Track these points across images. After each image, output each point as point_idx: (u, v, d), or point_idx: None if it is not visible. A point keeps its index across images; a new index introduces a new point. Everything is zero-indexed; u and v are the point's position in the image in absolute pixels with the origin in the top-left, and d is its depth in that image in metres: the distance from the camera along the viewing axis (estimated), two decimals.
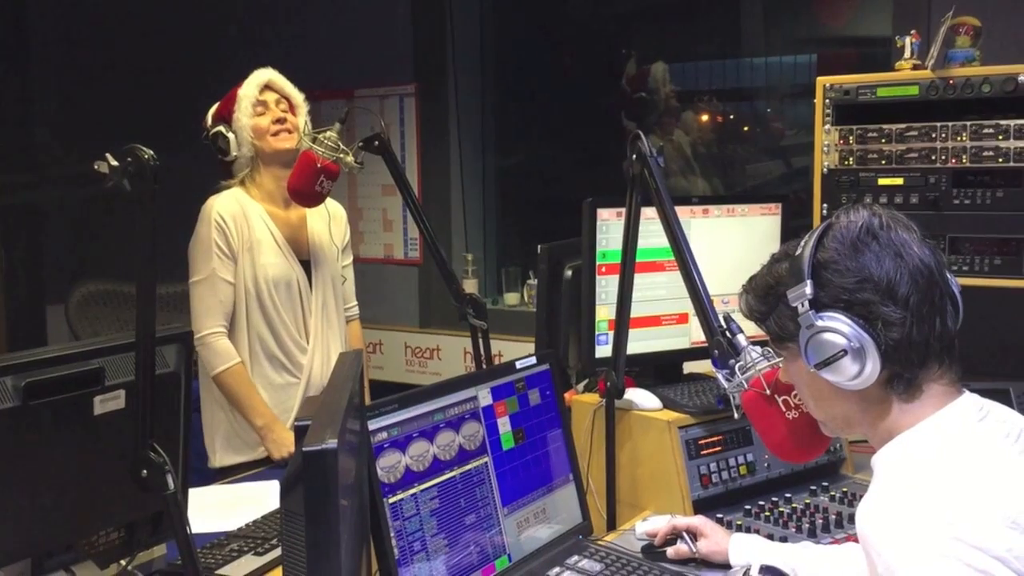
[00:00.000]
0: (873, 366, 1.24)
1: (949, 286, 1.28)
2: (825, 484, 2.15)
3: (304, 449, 1.00)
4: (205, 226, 2.57)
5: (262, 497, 2.18)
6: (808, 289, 1.26)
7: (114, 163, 1.40)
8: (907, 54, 2.39)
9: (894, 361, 1.25)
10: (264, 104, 2.62)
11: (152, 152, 1.41)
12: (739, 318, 1.73)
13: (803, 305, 1.27)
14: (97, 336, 3.57)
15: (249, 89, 2.61)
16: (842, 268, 1.26)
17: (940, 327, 1.26)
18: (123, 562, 1.65)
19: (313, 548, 1.00)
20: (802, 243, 1.31)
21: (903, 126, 2.35)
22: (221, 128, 2.60)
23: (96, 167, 1.42)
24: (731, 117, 4.54)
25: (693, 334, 2.31)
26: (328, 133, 2.49)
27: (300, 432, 1.09)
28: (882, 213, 1.29)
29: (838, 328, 1.24)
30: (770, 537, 1.90)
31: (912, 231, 1.29)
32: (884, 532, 1.16)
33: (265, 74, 2.65)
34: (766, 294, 1.36)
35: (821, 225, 1.32)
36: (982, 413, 1.26)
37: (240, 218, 2.58)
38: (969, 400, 1.28)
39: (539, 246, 2.42)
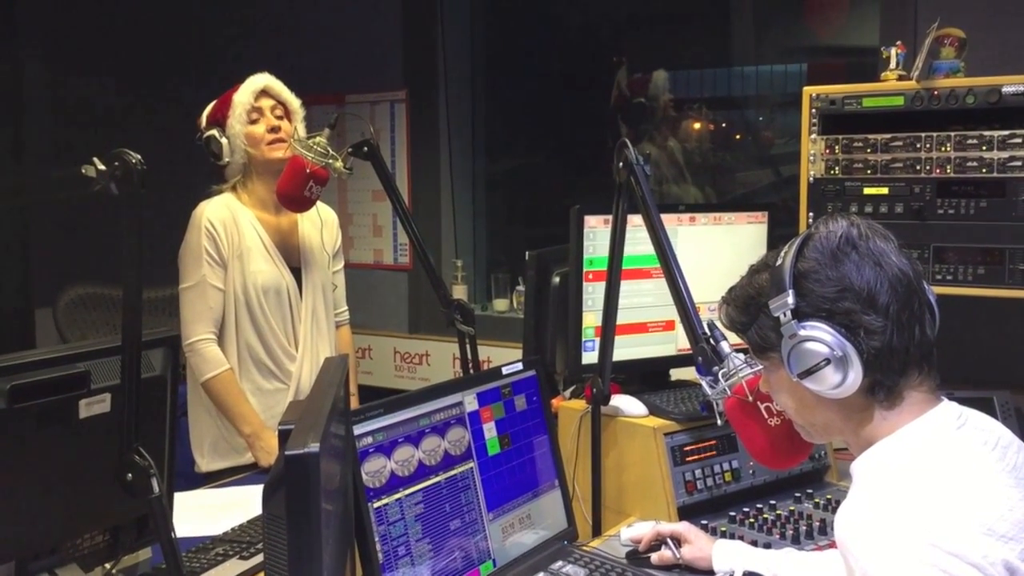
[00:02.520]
0: (855, 375, 1.25)
1: (927, 294, 1.30)
2: (809, 491, 2.17)
3: (286, 453, 1.01)
4: (195, 232, 2.57)
5: (248, 502, 2.17)
6: (790, 299, 1.28)
7: (101, 167, 1.40)
8: (893, 65, 2.41)
9: (875, 369, 1.26)
10: (259, 111, 2.61)
11: (139, 157, 1.41)
12: (722, 327, 1.74)
13: (785, 315, 1.28)
14: (85, 340, 3.56)
15: (244, 96, 2.59)
16: (823, 278, 1.27)
17: (919, 335, 1.27)
18: (108, 565, 1.65)
19: (295, 552, 1.01)
20: (782, 253, 1.33)
21: (888, 136, 2.36)
22: (214, 133, 2.60)
23: (83, 171, 1.42)
24: (722, 125, 4.56)
25: (679, 341, 2.32)
26: (318, 138, 2.50)
27: (283, 436, 1.09)
28: (860, 223, 1.31)
29: (820, 337, 1.26)
30: (754, 543, 1.91)
31: (890, 240, 1.30)
32: (861, 538, 1.18)
33: (261, 80, 2.64)
34: (747, 305, 1.37)
35: (800, 235, 1.34)
36: (960, 421, 1.27)
37: (230, 224, 2.58)
38: (948, 408, 1.30)
39: (527, 252, 2.43)
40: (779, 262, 1.31)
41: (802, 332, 1.27)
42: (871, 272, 1.26)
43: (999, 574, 1.11)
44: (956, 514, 1.14)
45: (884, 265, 1.27)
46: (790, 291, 1.28)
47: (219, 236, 2.55)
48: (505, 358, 1.96)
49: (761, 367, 1.42)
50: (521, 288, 4.37)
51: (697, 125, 4.49)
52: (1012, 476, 1.21)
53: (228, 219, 2.58)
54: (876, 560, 1.14)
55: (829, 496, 2.14)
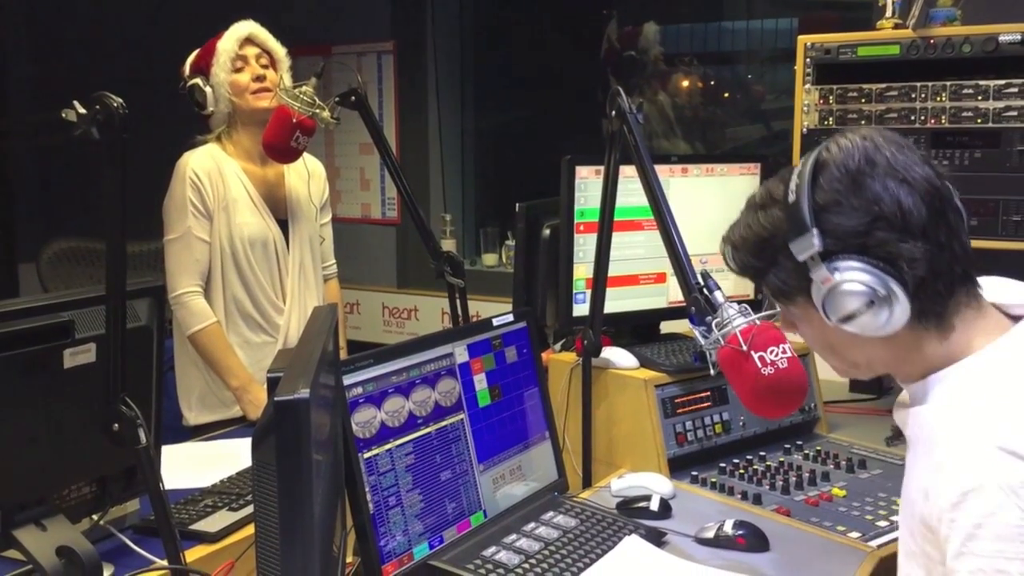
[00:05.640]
0: (902, 310, 1.13)
1: (955, 201, 1.17)
2: (799, 443, 2.17)
3: (276, 399, 0.99)
4: (180, 183, 2.53)
5: (237, 454, 2.16)
6: (816, 240, 1.13)
7: (82, 111, 1.37)
8: (889, 13, 2.38)
9: (922, 298, 1.14)
10: (244, 59, 2.56)
11: (121, 100, 1.38)
12: (718, 276, 1.73)
13: (813, 259, 1.14)
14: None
15: (228, 43, 2.54)
16: (847, 208, 1.13)
17: (960, 249, 1.15)
18: (95, 516, 1.64)
19: (285, 499, 0.99)
20: (792, 186, 1.17)
21: (883, 86, 2.34)
22: (198, 81, 2.55)
23: (64, 115, 1.39)
24: (712, 81, 4.52)
25: (671, 294, 2.31)
26: (304, 88, 2.45)
27: (272, 384, 1.07)
28: (874, 135, 1.16)
29: (858, 278, 1.12)
30: (744, 494, 1.91)
31: (910, 151, 1.17)
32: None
33: (245, 27, 2.58)
34: (761, 248, 1.22)
35: (808, 160, 1.18)
36: None
37: (215, 175, 2.54)
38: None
39: (517, 205, 2.40)
40: (791, 197, 1.16)
41: (837, 276, 1.13)
42: (899, 190, 1.12)
43: None
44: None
45: (911, 180, 1.12)
46: (814, 230, 1.13)
47: (204, 187, 2.52)
48: (494, 313, 1.94)
49: (780, 311, 1.29)
50: (510, 243, 4.35)
51: (687, 80, 4.45)
52: None
53: (213, 170, 2.54)
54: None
55: (819, 448, 2.15)
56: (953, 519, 1.06)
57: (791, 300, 1.24)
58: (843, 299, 1.14)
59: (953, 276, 1.15)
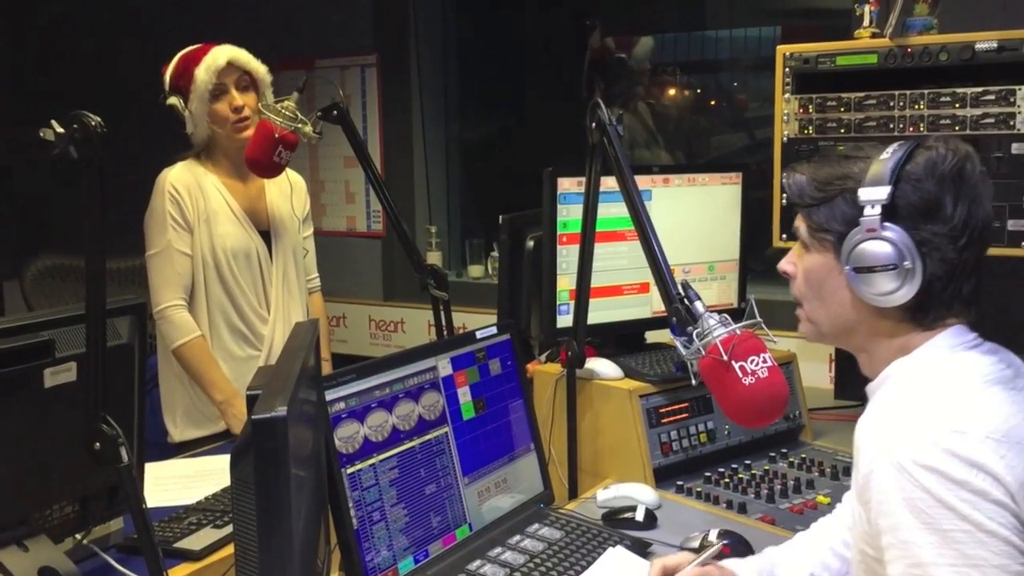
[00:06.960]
0: (909, 291, 1.24)
1: (989, 245, 1.29)
2: (784, 451, 2.18)
3: (254, 417, 0.99)
4: (159, 198, 2.53)
5: (221, 470, 2.15)
6: (886, 194, 1.24)
7: (60, 130, 1.37)
8: (866, 22, 2.39)
9: (928, 295, 1.25)
10: (223, 87, 2.51)
11: (99, 119, 1.38)
12: (699, 286, 1.73)
13: (873, 207, 1.25)
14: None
15: (206, 75, 2.48)
16: (923, 187, 1.24)
17: (974, 285, 1.27)
18: (78, 536, 1.63)
19: (263, 517, 0.99)
20: (890, 149, 1.28)
21: (862, 95, 2.35)
22: (177, 103, 2.52)
23: (42, 134, 1.38)
24: (698, 91, 4.54)
25: (654, 304, 2.32)
26: (286, 103, 2.45)
27: (251, 401, 1.07)
28: (975, 158, 1.28)
29: (897, 241, 1.23)
30: (729, 503, 1.92)
31: (988, 187, 1.28)
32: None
33: (223, 55, 2.51)
34: (829, 182, 1.32)
35: (911, 141, 1.30)
36: (973, 342, 1.28)
37: (195, 188, 2.54)
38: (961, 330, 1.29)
39: (501, 216, 2.41)
40: (885, 155, 1.28)
41: (884, 233, 1.24)
42: (965, 209, 1.24)
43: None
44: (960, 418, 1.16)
45: (980, 207, 1.25)
46: (889, 186, 1.24)
47: (183, 200, 2.51)
48: (481, 325, 1.94)
49: (798, 245, 1.38)
50: (496, 254, 4.35)
51: (671, 89, 4.47)
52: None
53: (192, 183, 2.54)
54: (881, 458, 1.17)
55: (804, 455, 2.16)
56: (867, 501, 1.19)
57: (820, 237, 1.33)
58: (874, 251, 1.25)
59: (958, 293, 1.26)
